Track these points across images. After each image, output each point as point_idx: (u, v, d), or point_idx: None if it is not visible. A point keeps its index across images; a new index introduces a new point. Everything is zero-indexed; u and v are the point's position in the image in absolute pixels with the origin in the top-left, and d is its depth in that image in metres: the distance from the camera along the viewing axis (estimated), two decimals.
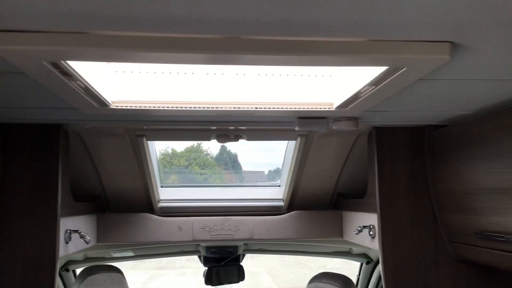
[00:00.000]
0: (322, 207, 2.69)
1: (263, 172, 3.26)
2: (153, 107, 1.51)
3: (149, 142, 2.27)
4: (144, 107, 1.50)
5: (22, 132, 1.86)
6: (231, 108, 1.52)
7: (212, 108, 1.52)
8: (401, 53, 0.98)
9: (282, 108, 1.55)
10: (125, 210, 2.53)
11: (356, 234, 2.21)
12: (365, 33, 0.93)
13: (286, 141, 2.53)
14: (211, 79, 1.51)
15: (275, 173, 3.03)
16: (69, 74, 1.11)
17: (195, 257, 3.17)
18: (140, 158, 2.25)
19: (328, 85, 1.53)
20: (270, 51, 0.96)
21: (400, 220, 2.02)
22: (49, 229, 1.83)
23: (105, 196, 2.50)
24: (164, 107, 1.50)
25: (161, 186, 2.67)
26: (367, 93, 1.31)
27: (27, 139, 1.87)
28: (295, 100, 1.56)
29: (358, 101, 1.41)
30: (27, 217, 1.83)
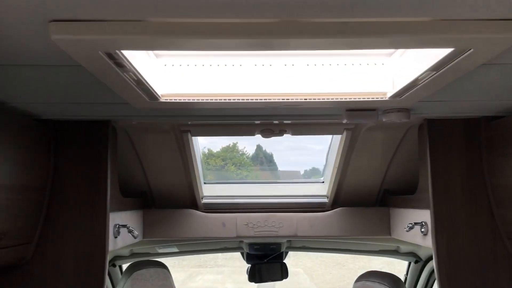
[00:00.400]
0: (367, 204, 2.62)
1: (298, 171, 3.22)
2: (201, 99, 1.50)
3: (193, 139, 2.28)
4: (192, 100, 1.50)
5: (72, 128, 1.90)
6: (279, 99, 1.49)
7: (260, 100, 1.49)
8: (469, 33, 0.92)
9: (331, 99, 1.50)
10: (170, 206, 2.55)
11: (407, 231, 2.13)
12: (430, 12, 0.88)
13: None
14: (259, 71, 1.49)
15: (311, 173, 2.99)
16: (123, 65, 1.11)
17: (233, 256, 3.18)
18: (185, 155, 2.26)
19: (381, 74, 1.47)
20: (328, 34, 0.92)
21: (454, 216, 1.93)
22: (99, 224, 1.86)
23: (150, 192, 2.53)
24: (212, 99, 1.48)
25: (204, 183, 2.67)
26: (426, 80, 1.25)
27: (77, 136, 1.91)
28: (345, 90, 1.51)
29: (414, 89, 1.34)
30: (77, 211, 1.86)
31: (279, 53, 1.46)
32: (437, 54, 1.12)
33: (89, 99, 1.56)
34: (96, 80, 1.30)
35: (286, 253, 3.02)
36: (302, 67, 1.49)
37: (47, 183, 1.84)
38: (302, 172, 3.19)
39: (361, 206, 2.58)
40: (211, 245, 2.89)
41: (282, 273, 2.92)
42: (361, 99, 1.51)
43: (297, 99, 1.49)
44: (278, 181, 2.85)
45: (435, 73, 1.19)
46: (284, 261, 2.94)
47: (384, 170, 2.45)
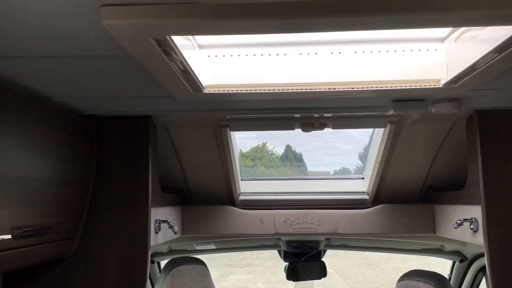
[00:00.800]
0: (410, 200, 2.53)
1: (328, 172, 3.16)
2: (244, 90, 1.47)
3: (232, 135, 2.26)
4: (235, 91, 1.47)
5: (114, 124, 1.91)
6: (325, 89, 1.44)
7: (305, 89, 1.45)
8: None
9: (379, 87, 1.44)
10: (207, 203, 2.54)
11: (455, 228, 2.04)
12: None
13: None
14: (304, 60, 1.44)
15: (340, 173, 2.94)
16: (170, 53, 1.09)
17: (265, 256, 3.13)
18: (223, 150, 2.24)
19: (433, 61, 1.40)
20: (386, 11, 0.86)
21: (508, 212, 1.83)
22: (140, 219, 1.85)
23: (188, 188, 2.52)
24: (255, 90, 1.45)
25: (242, 179, 2.65)
26: (486, 64, 1.17)
27: (119, 131, 1.91)
28: (393, 78, 1.45)
29: (472, 74, 1.27)
30: (119, 206, 1.87)
31: (324, 40, 1.41)
32: (497, 38, 1.05)
33: (132, 92, 1.56)
34: (141, 72, 1.29)
35: (324, 251, 2.96)
36: (349, 55, 1.43)
37: (90, 178, 1.86)
38: (331, 172, 3.12)
39: (403, 203, 2.49)
40: (248, 242, 2.86)
41: (320, 271, 2.86)
42: (411, 87, 1.44)
43: (344, 88, 1.44)
44: (316, 177, 2.78)
45: (497, 55, 1.11)
46: (322, 259, 2.88)
47: (428, 165, 2.36)
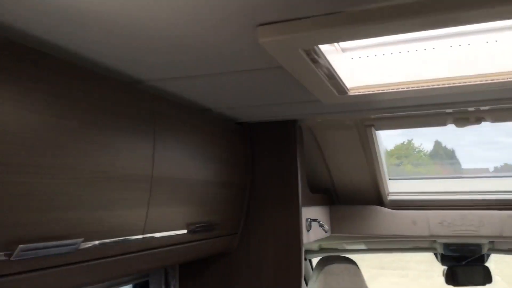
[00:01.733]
0: None
1: (487, 169, 2.84)
2: (390, 90, 1.46)
3: (377, 133, 2.23)
4: (380, 91, 1.46)
5: (264, 129, 2.07)
6: (481, 81, 1.34)
7: (457, 84, 1.37)
8: None
9: None
10: (354, 203, 2.54)
11: None
12: None
13: None
14: (453, 52, 1.37)
15: (502, 170, 2.62)
16: (317, 61, 1.15)
17: (418, 259, 2.97)
18: (368, 150, 2.23)
19: None
20: None
21: None
22: (293, 218, 1.97)
23: (334, 188, 2.57)
24: (404, 88, 1.43)
25: (390, 179, 2.59)
26: None
27: (269, 136, 2.06)
28: None
29: None
30: (273, 206, 2.01)
31: (476, 30, 1.32)
32: None
33: (280, 100, 1.67)
34: (288, 81, 1.38)
35: (488, 255, 2.70)
36: (508, 41, 1.32)
37: (247, 180, 2.04)
38: (491, 169, 2.81)
39: None
40: (400, 244, 2.77)
41: (484, 277, 2.63)
42: None
43: (505, 79, 1.33)
44: (474, 175, 2.57)
45: None
46: (486, 264, 2.64)
47: None
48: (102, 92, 1.17)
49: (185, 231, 1.59)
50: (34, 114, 0.96)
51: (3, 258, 0.93)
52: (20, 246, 0.93)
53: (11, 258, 0.93)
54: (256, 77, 1.37)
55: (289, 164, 2.02)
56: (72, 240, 1.07)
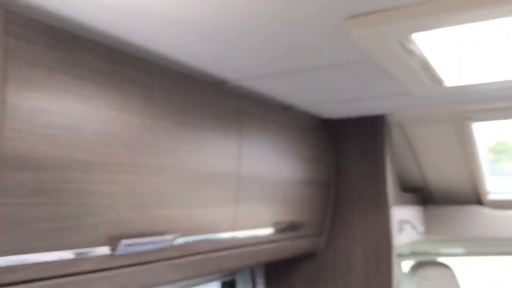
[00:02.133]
0: None
1: None
2: (491, 79, 1.32)
3: (476, 126, 2.05)
4: (480, 81, 1.34)
5: (349, 125, 1.99)
6: None
7: None
8: None
9: None
10: (449, 202, 2.37)
11: None
12: None
13: None
14: None
15: None
16: (411, 51, 1.08)
17: None
18: (466, 145, 2.06)
19: None
20: None
21: None
22: (382, 218, 1.87)
23: (427, 187, 2.41)
24: (504, 77, 1.29)
25: (489, 177, 2.37)
26: None
27: (354, 132, 1.98)
28: None
29: None
30: (361, 206, 1.93)
31: None
32: None
33: (367, 94, 1.60)
34: (377, 73, 1.31)
35: None
36: None
37: (332, 179, 1.98)
38: None
39: None
40: (502, 247, 2.53)
41: None
42: None
43: None
44: None
45: None
46: None
47: None
48: (192, 93, 1.20)
49: (271, 229, 1.57)
50: (133, 116, 1.00)
51: (108, 252, 0.98)
52: (123, 240, 0.98)
53: (115, 253, 0.98)
54: (343, 71, 1.32)
55: (377, 161, 1.92)
56: (168, 236, 1.11)
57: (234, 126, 1.36)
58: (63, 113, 0.87)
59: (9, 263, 0.80)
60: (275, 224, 1.59)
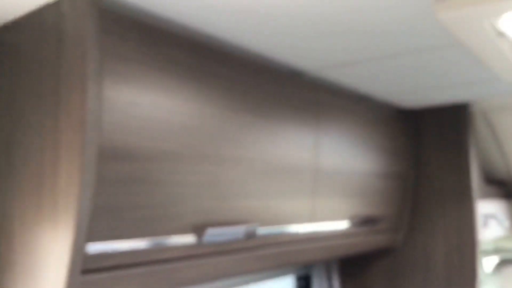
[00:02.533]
0: None
1: None
2: None
3: None
4: None
5: (429, 116, 1.90)
6: None
7: None
8: None
9: None
10: None
11: None
12: None
13: None
14: None
15: None
16: (504, 33, 1.00)
17: None
18: None
19: None
20: None
21: None
22: (466, 212, 1.77)
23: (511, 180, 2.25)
24: None
25: None
26: None
27: (435, 123, 1.89)
28: None
29: None
30: (442, 199, 1.83)
31: None
32: None
33: (449, 81, 1.51)
34: (464, 58, 1.23)
35: None
36: None
37: (412, 172, 1.90)
38: None
39: None
40: None
41: None
42: None
43: None
44: None
45: None
46: None
47: None
48: (270, 85, 1.20)
49: (348, 223, 1.54)
50: (215, 109, 1.03)
51: (195, 240, 1.01)
52: (209, 228, 1.01)
53: (201, 241, 1.01)
54: (426, 57, 1.25)
55: (460, 153, 1.82)
56: (250, 225, 1.12)
57: (311, 117, 1.34)
58: (154, 106, 0.91)
59: (104, 249, 0.85)
60: (352, 218, 1.56)
